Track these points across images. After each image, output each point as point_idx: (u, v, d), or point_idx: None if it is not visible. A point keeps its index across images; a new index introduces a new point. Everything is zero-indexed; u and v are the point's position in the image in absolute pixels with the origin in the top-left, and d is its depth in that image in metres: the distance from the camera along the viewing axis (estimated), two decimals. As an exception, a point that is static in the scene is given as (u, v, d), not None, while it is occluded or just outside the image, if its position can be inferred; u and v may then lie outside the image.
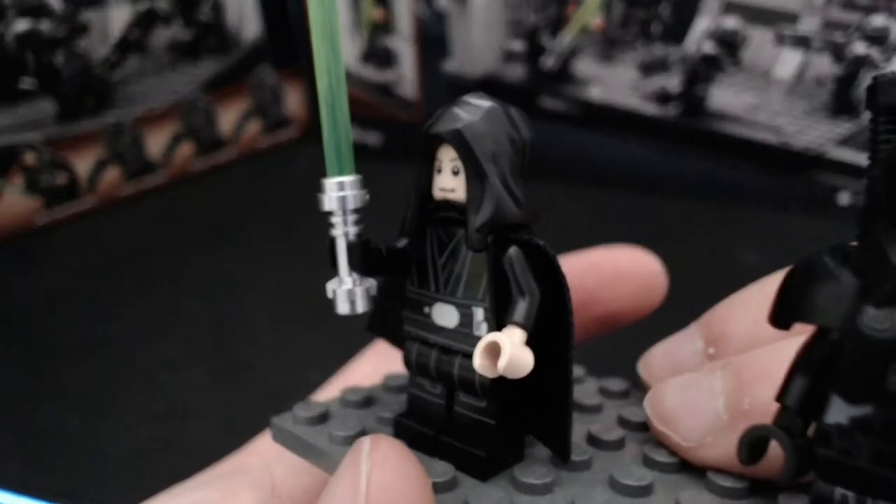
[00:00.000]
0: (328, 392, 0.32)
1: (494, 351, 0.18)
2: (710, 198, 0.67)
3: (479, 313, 0.21)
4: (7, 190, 0.65)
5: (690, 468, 0.21)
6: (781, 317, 0.15)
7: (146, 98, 0.73)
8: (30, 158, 0.66)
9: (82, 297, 0.58)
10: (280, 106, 0.83)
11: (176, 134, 0.75)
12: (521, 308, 0.19)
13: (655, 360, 0.24)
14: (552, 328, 0.19)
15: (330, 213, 0.21)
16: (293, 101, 0.83)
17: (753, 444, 0.16)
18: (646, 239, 0.62)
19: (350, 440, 0.22)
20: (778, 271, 0.22)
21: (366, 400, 0.25)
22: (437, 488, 0.19)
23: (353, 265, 0.21)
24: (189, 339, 0.53)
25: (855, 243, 0.15)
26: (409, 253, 0.22)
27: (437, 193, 0.21)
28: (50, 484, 0.40)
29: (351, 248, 0.21)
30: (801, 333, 0.20)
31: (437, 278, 0.21)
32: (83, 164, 0.69)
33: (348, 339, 0.52)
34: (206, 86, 0.76)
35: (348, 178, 0.21)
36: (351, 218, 0.21)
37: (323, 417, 0.23)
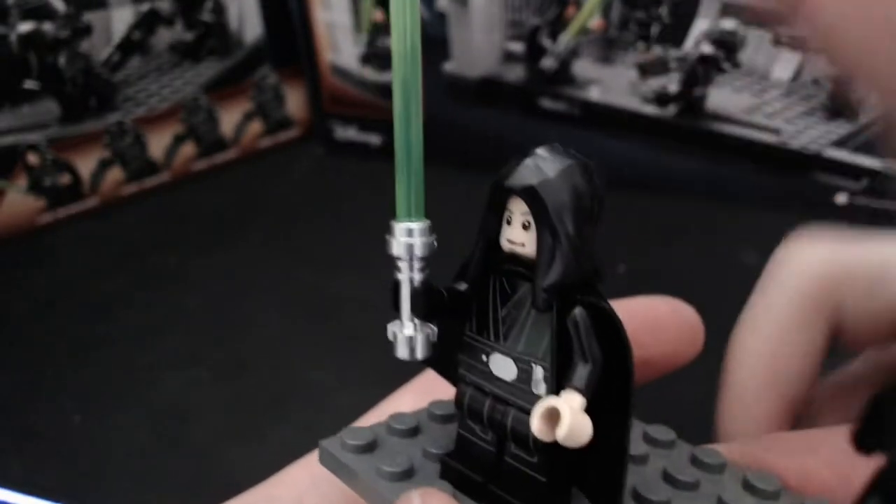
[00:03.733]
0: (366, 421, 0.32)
1: (553, 415, 0.18)
2: (709, 198, 0.67)
3: (538, 371, 0.20)
4: (10, 190, 0.66)
5: None
6: (865, 443, 0.15)
7: (148, 99, 0.73)
8: (33, 159, 0.66)
9: (83, 296, 0.58)
10: (281, 107, 0.83)
11: (178, 134, 0.75)
12: (582, 373, 0.19)
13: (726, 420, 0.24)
14: (612, 391, 0.19)
15: (396, 258, 0.21)
16: (294, 101, 0.83)
17: None
18: (645, 239, 0.63)
19: (396, 476, 0.22)
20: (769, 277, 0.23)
21: (412, 430, 0.24)
22: None
23: (416, 311, 0.21)
24: (189, 339, 0.53)
25: None
26: (470, 298, 0.22)
27: (505, 245, 0.20)
28: (50, 483, 0.41)
29: (415, 294, 0.21)
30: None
31: (496, 328, 0.21)
32: (86, 164, 0.70)
33: (349, 339, 0.52)
34: (208, 86, 0.76)
35: (417, 225, 0.21)
36: (417, 265, 0.21)
37: (370, 447, 0.23)
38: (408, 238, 0.20)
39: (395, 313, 0.21)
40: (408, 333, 0.21)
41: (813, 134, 0.62)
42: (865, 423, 0.14)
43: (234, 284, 0.60)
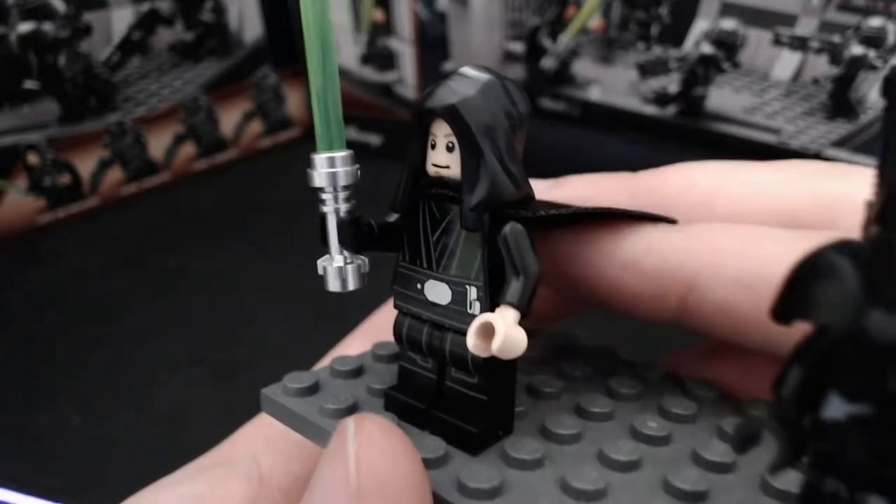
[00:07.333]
0: None
1: (488, 331, 0.18)
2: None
3: (472, 292, 0.20)
4: (10, 190, 0.66)
5: (679, 442, 0.21)
6: (783, 312, 0.15)
7: (148, 99, 0.73)
8: (33, 159, 0.66)
9: (83, 297, 0.58)
10: (281, 107, 0.83)
11: (178, 134, 0.75)
12: (515, 288, 0.19)
13: None
14: None
15: (320, 190, 0.20)
16: (294, 101, 0.83)
17: (747, 434, 0.15)
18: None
19: (340, 413, 0.21)
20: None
21: (355, 370, 0.24)
22: (428, 464, 0.19)
23: (344, 242, 0.20)
24: (189, 339, 0.53)
25: (862, 240, 0.14)
26: (401, 228, 0.21)
27: (431, 169, 0.20)
28: (50, 483, 0.41)
29: (341, 225, 0.20)
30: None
31: (429, 255, 0.21)
32: (86, 164, 0.70)
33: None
34: (208, 87, 0.77)
35: (339, 154, 0.20)
36: (342, 195, 0.20)
37: (313, 389, 0.23)
38: (330, 168, 0.20)
39: (325, 248, 0.21)
40: (337, 265, 0.21)
41: (813, 134, 0.62)
42: (786, 292, 0.14)
43: (234, 284, 0.60)
